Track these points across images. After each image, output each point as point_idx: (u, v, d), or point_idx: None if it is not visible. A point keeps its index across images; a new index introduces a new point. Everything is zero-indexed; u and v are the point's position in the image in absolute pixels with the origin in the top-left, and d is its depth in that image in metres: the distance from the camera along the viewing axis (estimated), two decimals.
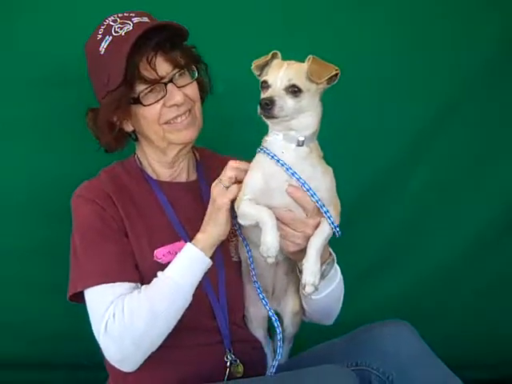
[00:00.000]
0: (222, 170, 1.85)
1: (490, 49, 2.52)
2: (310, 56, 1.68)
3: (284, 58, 1.73)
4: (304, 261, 1.70)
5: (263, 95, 1.67)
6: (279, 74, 1.67)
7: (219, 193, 1.77)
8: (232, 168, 1.77)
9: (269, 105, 1.62)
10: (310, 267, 1.69)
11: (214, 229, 1.79)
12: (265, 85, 1.69)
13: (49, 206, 2.33)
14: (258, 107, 1.64)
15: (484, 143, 2.59)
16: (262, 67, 1.75)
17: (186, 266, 1.79)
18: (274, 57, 1.74)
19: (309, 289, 1.69)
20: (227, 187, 1.76)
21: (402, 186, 2.60)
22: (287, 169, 1.69)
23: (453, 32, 2.50)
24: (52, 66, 2.25)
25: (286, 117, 1.66)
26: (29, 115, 2.30)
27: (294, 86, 1.65)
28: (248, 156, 1.88)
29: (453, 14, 2.50)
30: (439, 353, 1.71)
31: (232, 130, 2.38)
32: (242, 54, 2.19)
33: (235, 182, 1.76)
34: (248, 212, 1.71)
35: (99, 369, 2.08)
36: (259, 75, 1.75)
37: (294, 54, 1.72)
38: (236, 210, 1.75)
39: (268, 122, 1.71)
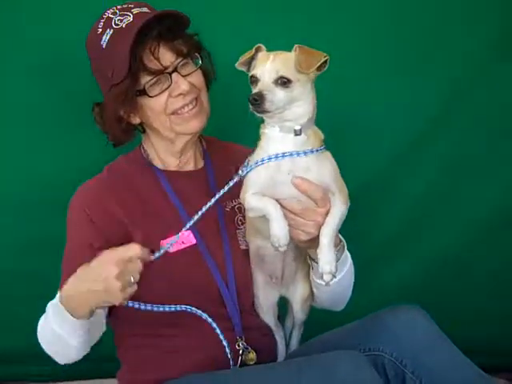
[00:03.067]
0: (226, 156, 1.87)
1: (490, 40, 2.47)
2: (296, 45, 1.64)
3: (279, 47, 1.68)
4: (318, 251, 1.69)
5: (254, 90, 1.63)
6: (266, 67, 1.62)
7: (118, 281, 1.51)
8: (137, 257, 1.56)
9: (258, 100, 1.58)
10: (325, 256, 1.68)
11: (85, 291, 1.58)
12: (253, 79, 1.65)
13: (50, 201, 2.29)
14: (249, 104, 1.61)
15: (493, 130, 2.55)
16: (249, 62, 1.71)
17: (59, 316, 1.66)
18: (258, 50, 1.69)
19: (327, 277, 1.69)
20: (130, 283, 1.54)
21: (411, 173, 2.56)
22: (292, 154, 1.66)
23: (453, 23, 2.45)
24: (53, 59, 2.23)
25: (278, 109, 1.62)
26: (27, 111, 2.27)
27: (282, 77, 1.61)
28: (250, 141, 1.86)
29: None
30: (451, 339, 1.71)
31: (234, 117, 2.36)
32: (245, 40, 2.18)
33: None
34: (254, 205, 1.70)
35: (102, 361, 2.08)
36: (247, 71, 1.71)
37: (294, 41, 1.68)
38: (242, 202, 1.74)
39: (262, 116, 1.67)
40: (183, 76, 1.85)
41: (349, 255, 1.90)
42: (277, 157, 1.68)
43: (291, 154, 1.68)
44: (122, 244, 1.63)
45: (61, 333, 1.66)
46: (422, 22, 2.44)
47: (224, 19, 2.33)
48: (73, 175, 1.97)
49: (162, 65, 1.81)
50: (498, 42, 2.47)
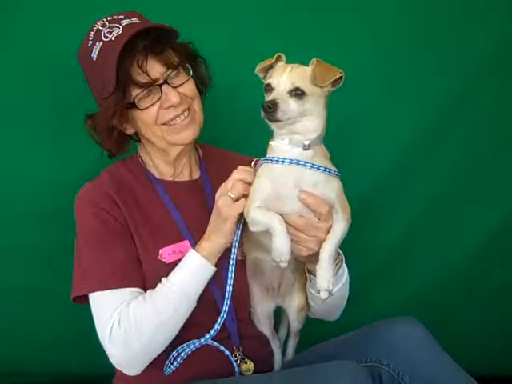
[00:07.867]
0: (225, 165, 1.84)
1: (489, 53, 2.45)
2: (314, 59, 1.67)
3: (287, 57, 1.71)
4: (317, 267, 1.71)
5: (267, 98, 1.65)
6: (283, 77, 1.65)
7: (225, 204, 1.75)
8: (239, 180, 1.74)
9: (271, 108, 1.60)
10: (324, 273, 1.69)
11: (219, 238, 1.80)
12: (268, 88, 1.67)
13: (49, 208, 2.27)
14: (261, 110, 1.62)
15: (496, 140, 2.52)
16: (266, 70, 1.73)
17: (190, 274, 1.80)
18: (278, 59, 1.72)
19: (323, 294, 1.70)
20: (235, 200, 1.74)
21: (411, 186, 2.53)
22: (304, 163, 1.66)
23: (457, 27, 2.42)
24: (54, 63, 2.20)
25: (290, 120, 1.64)
26: (28, 114, 2.24)
27: (297, 88, 1.63)
28: (250, 152, 1.87)
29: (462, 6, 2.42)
30: (450, 353, 1.72)
31: (234, 125, 2.35)
32: (244, 50, 2.18)
33: (243, 196, 1.75)
34: (258, 219, 1.70)
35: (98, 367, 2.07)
36: (263, 78, 1.73)
37: (296, 52, 1.71)
38: (245, 217, 1.74)
39: (272, 125, 1.69)
40: (174, 87, 1.84)
41: (346, 269, 1.91)
42: (285, 161, 1.67)
43: (298, 162, 1.67)
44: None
45: (187, 291, 1.77)
46: (426, 25, 2.42)
47: (227, 28, 2.30)
48: (74, 182, 1.95)
49: (151, 77, 1.80)
50: (498, 50, 2.45)
